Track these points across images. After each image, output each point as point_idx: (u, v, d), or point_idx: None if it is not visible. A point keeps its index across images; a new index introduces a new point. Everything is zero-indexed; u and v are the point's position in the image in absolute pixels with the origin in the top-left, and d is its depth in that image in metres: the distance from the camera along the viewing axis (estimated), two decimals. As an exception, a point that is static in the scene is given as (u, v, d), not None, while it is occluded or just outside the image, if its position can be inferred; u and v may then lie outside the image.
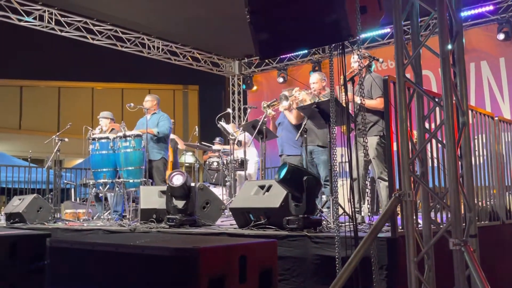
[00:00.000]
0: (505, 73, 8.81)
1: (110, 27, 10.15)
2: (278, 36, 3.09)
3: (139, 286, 2.38)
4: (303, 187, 3.77)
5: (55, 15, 9.42)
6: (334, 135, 3.68)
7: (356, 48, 4.01)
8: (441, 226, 2.85)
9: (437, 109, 3.19)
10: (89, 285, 2.55)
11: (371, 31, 9.81)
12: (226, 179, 7.05)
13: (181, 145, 8.37)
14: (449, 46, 2.39)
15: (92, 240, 2.87)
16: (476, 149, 4.52)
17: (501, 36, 8.79)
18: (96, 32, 10.06)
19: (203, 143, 8.55)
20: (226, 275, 2.32)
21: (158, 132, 6.68)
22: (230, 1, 7.61)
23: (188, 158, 9.65)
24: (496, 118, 4.78)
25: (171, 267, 2.28)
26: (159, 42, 11.04)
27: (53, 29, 9.55)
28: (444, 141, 2.46)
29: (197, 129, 8.31)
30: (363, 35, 9.98)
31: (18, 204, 6.48)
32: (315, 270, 3.46)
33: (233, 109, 12.48)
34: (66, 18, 9.58)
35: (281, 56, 11.66)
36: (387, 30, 9.76)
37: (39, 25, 9.39)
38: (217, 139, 9.05)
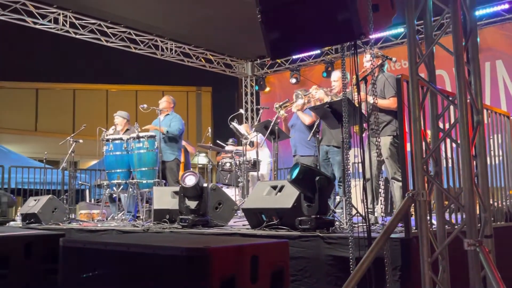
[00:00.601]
0: (521, 72, 8.70)
1: (124, 29, 10.23)
2: (290, 36, 3.07)
3: (150, 286, 2.39)
4: (316, 187, 3.75)
5: (70, 18, 9.52)
6: (348, 134, 3.65)
7: (368, 47, 3.99)
8: (456, 227, 2.82)
9: (451, 108, 3.16)
10: (101, 284, 2.56)
11: (384, 30, 9.74)
12: (239, 179, 7.05)
13: (190, 150, 8.39)
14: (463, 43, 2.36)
15: (105, 240, 2.89)
16: (492, 149, 4.46)
17: (518, 35, 8.68)
18: (110, 35, 10.15)
19: (217, 141, 8.56)
20: (237, 275, 2.31)
21: (167, 131, 6.71)
22: (242, 2, 7.61)
23: (201, 160, 9.68)
24: (512, 117, 4.72)
25: (182, 266, 2.28)
26: (172, 44, 11.10)
27: (67, 31, 9.65)
28: (459, 140, 2.43)
29: (210, 130, 8.32)
30: (376, 35, 9.92)
31: (33, 204, 6.55)
32: (328, 270, 3.44)
33: (246, 110, 12.49)
34: (80, 21, 9.68)
35: (294, 57, 11.65)
36: (400, 30, 9.68)
37: (54, 28, 9.50)
38: (230, 140, 9.07)
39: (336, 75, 5.68)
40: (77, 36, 9.84)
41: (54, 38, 10.56)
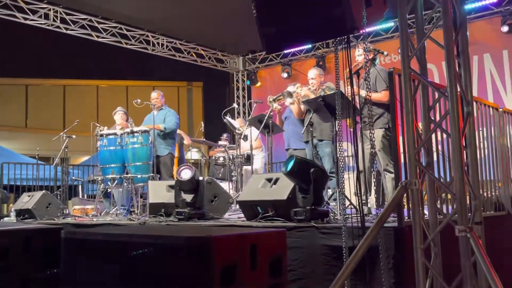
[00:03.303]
0: (508, 65, 8.84)
1: (115, 25, 10.21)
2: (284, 30, 3.13)
3: (152, 276, 2.45)
4: (310, 179, 3.83)
5: (60, 13, 9.50)
6: (340, 127, 3.72)
7: (361, 41, 4.06)
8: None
9: (442, 101, 3.24)
10: (103, 275, 2.61)
11: (375, 24, 9.83)
12: (233, 174, 7.11)
13: (187, 140, 8.44)
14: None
15: (106, 231, 2.94)
16: (481, 141, 4.56)
17: (505, 29, 8.80)
18: (101, 30, 10.13)
19: (205, 140, 8.58)
20: (237, 262, 2.38)
21: (165, 128, 6.75)
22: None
23: (194, 155, 9.72)
24: (501, 110, 4.81)
25: (184, 256, 2.34)
26: (163, 39, 11.10)
27: (58, 27, 9.62)
28: (450, 131, 2.51)
29: (202, 125, 8.37)
30: (367, 29, 9.99)
31: (27, 200, 6.57)
32: (323, 260, 3.52)
33: (238, 105, 12.54)
34: (71, 16, 9.65)
35: (285, 52, 11.70)
36: (391, 24, 9.77)
37: (44, 24, 9.47)
38: (224, 135, 9.11)
39: (312, 73, 5.79)
40: (68, 32, 9.81)
41: (43, 34, 10.52)
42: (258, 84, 12.50)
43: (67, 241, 2.83)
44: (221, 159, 7.45)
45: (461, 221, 2.42)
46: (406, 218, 3.23)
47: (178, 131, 8.13)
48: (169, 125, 6.80)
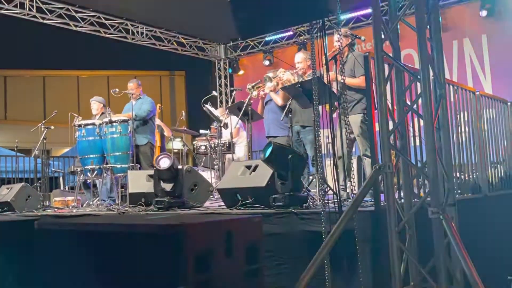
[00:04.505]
0: (487, 50, 8.90)
1: (93, 13, 10.04)
2: (258, 15, 3.11)
3: (126, 264, 2.42)
4: (288, 165, 3.82)
5: (36, 2, 9.30)
6: (319, 113, 3.71)
7: (336, 27, 4.05)
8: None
9: (419, 85, 3.25)
10: (77, 265, 2.58)
11: (352, 10, 9.84)
12: (215, 162, 7.08)
13: (167, 133, 8.37)
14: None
15: (80, 221, 2.91)
16: (459, 124, 4.59)
17: (484, 13, 8.85)
18: (79, 19, 9.95)
19: (186, 129, 8.49)
20: (212, 250, 2.37)
21: (135, 115, 6.65)
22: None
23: (176, 144, 9.62)
24: (478, 93, 4.85)
25: (157, 244, 2.32)
26: (143, 28, 10.96)
27: (34, 16, 9.43)
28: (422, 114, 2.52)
29: (184, 114, 8.30)
30: (347, 15, 10.00)
31: (6, 193, 6.47)
32: (302, 245, 3.53)
33: (220, 94, 12.48)
34: (47, 5, 9.46)
35: (266, 39, 11.66)
36: (370, 10, 9.75)
37: (20, 13, 9.27)
38: (214, 124, 9.02)
39: (299, 56, 5.75)
40: (45, 21, 9.63)
41: (20, 24, 10.31)
42: (241, 72, 12.44)
43: (41, 232, 2.79)
44: (203, 147, 7.42)
45: (434, 202, 2.44)
46: (383, 202, 3.25)
47: (159, 123, 8.06)
48: (139, 112, 6.70)
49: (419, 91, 2.54)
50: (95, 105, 7.20)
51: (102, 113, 7.06)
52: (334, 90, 4.75)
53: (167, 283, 2.26)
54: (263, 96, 6.17)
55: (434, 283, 2.48)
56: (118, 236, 2.45)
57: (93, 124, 6.17)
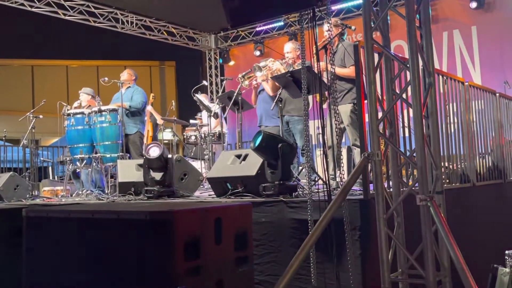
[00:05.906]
0: (476, 42, 8.96)
1: (82, 2, 9.92)
2: (248, 3, 3.10)
3: (116, 251, 2.43)
4: (278, 154, 3.83)
5: (24, -10, 9.19)
6: (309, 103, 3.71)
7: (326, 17, 4.04)
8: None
9: (408, 74, 3.27)
10: (66, 251, 2.58)
11: (343, 0, 9.84)
12: (205, 152, 7.07)
13: (159, 120, 8.35)
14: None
15: (69, 208, 2.90)
16: (448, 115, 4.62)
17: (474, 5, 8.88)
18: (68, 7, 9.83)
19: (176, 119, 8.46)
20: (201, 236, 2.38)
21: (130, 106, 6.66)
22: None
23: (166, 135, 9.60)
24: (467, 83, 4.89)
25: (147, 230, 2.33)
26: (133, 17, 10.86)
27: (22, 4, 9.30)
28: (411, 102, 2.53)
29: (173, 103, 8.27)
30: (338, 6, 9.98)
31: (-6, 182, 6.41)
32: (291, 233, 3.55)
33: (211, 84, 12.43)
34: (35, -7, 9.35)
35: (257, 29, 11.62)
36: (361, 0, 9.75)
37: (7, 1, 9.14)
38: (199, 114, 9.00)
39: (288, 46, 5.75)
40: (33, 10, 9.50)
41: (9, 13, 10.17)
42: (232, 62, 12.39)
43: (29, 219, 2.78)
44: (193, 137, 7.40)
45: (422, 190, 2.46)
46: (372, 190, 3.27)
47: (152, 111, 8.03)
48: (135, 103, 6.71)
49: (408, 80, 2.55)
50: (83, 96, 7.13)
51: (89, 105, 7.00)
52: (325, 80, 4.76)
53: (157, 269, 2.27)
54: (256, 85, 6.16)
55: (421, 269, 2.51)
56: (108, 223, 2.45)
57: (82, 113, 6.11)
